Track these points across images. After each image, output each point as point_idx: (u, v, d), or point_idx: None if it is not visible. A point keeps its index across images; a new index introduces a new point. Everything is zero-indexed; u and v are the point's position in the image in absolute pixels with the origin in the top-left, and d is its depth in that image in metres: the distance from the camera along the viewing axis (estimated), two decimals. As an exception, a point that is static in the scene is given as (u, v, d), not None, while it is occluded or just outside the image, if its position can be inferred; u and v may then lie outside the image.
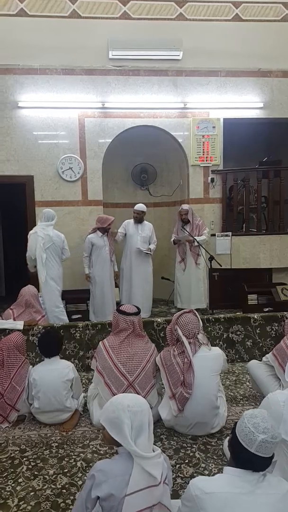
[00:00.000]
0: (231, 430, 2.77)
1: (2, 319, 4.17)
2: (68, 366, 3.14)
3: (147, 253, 5.79)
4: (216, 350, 3.00)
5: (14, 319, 4.14)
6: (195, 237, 5.66)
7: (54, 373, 3.06)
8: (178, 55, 6.10)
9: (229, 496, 1.53)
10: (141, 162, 6.85)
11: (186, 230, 5.71)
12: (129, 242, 5.84)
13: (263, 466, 1.58)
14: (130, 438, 1.68)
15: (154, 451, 1.73)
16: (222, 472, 1.68)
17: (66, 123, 6.06)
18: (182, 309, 3.32)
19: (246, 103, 6.33)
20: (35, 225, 6.07)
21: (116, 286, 5.90)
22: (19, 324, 4.01)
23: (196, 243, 5.69)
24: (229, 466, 1.65)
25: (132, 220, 5.89)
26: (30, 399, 3.08)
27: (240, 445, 1.58)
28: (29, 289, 4.44)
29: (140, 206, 5.85)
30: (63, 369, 3.11)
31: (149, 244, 5.88)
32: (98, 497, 1.65)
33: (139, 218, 5.84)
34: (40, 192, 6.08)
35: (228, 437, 2.64)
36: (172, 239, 5.93)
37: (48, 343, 3.19)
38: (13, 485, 2.39)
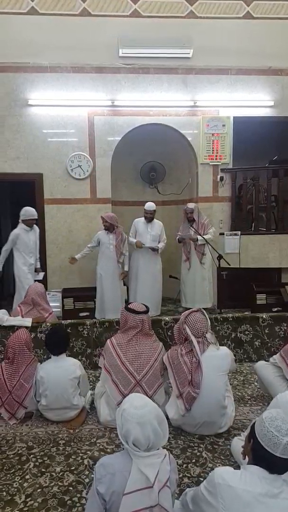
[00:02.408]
0: (240, 431, 2.78)
1: (11, 316, 4.19)
2: (75, 364, 3.15)
3: (154, 249, 5.76)
4: (224, 350, 2.99)
5: (22, 317, 4.16)
6: (201, 236, 5.64)
7: (61, 370, 3.07)
8: (188, 53, 6.08)
9: (251, 496, 1.52)
10: (150, 160, 6.84)
11: (194, 228, 5.69)
12: (139, 240, 5.82)
13: (286, 468, 1.56)
14: (120, 437, 1.73)
15: (160, 451, 1.73)
16: None
17: (76, 121, 6.07)
18: (187, 308, 3.31)
19: (257, 101, 6.29)
20: (44, 223, 6.13)
21: (124, 284, 5.90)
22: (27, 321, 4.03)
23: (200, 242, 5.67)
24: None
25: (141, 219, 5.88)
26: (38, 396, 3.09)
27: (264, 450, 1.55)
28: (36, 287, 4.46)
29: (151, 206, 5.82)
30: (70, 366, 3.11)
31: (159, 242, 5.86)
32: (100, 492, 1.68)
33: (150, 218, 5.84)
34: (49, 189, 6.10)
35: (236, 437, 2.65)
36: (177, 238, 5.92)
37: (55, 340, 3.20)
38: (20, 481, 2.40)
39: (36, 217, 5.46)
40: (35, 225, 5.53)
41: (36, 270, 5.60)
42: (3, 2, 5.85)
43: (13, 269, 5.49)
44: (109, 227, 5.52)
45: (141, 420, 1.69)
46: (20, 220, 5.43)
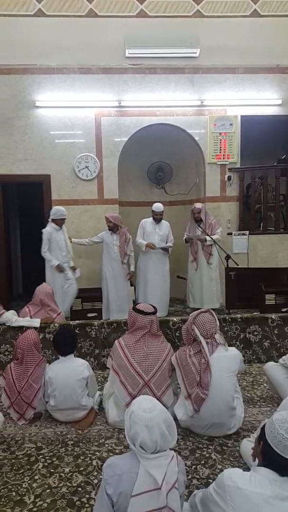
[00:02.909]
0: (249, 433, 2.77)
1: (19, 316, 4.20)
2: (83, 364, 3.15)
3: (165, 250, 5.75)
4: (233, 351, 2.97)
5: (31, 317, 4.17)
6: (209, 236, 5.62)
7: (69, 371, 3.07)
8: (195, 53, 6.06)
9: (261, 498, 1.51)
10: (157, 161, 6.83)
11: (201, 228, 5.67)
12: (147, 241, 5.80)
13: None
14: (127, 439, 1.73)
15: (167, 452, 1.72)
16: None
17: (83, 122, 6.08)
18: (194, 308, 3.29)
19: (264, 100, 6.25)
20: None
21: (132, 285, 5.90)
22: (36, 322, 4.05)
23: (208, 243, 5.65)
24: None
25: (149, 219, 5.88)
26: (46, 397, 3.10)
27: (274, 452, 1.54)
28: (44, 287, 4.46)
29: (160, 207, 5.81)
30: (78, 367, 3.11)
31: (166, 243, 5.85)
32: (108, 494, 1.68)
33: (159, 219, 5.83)
34: (56, 191, 6.12)
35: (245, 439, 2.63)
36: (184, 238, 5.90)
37: (63, 341, 3.20)
38: (29, 482, 2.40)
39: (66, 217, 5.46)
40: (64, 226, 5.52)
41: (73, 268, 5.56)
42: (10, 5, 5.88)
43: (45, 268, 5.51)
44: (113, 228, 5.52)
45: (149, 423, 1.69)
46: (50, 220, 5.44)
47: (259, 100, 6.24)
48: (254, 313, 4.86)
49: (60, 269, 5.38)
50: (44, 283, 4.62)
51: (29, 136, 6.02)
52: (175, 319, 4.15)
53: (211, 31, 6.11)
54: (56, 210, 5.42)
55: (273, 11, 6.24)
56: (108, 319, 5.04)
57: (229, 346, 3.02)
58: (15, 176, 6.07)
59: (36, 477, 2.45)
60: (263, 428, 1.63)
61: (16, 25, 5.89)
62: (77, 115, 6.06)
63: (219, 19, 6.18)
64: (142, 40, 5.94)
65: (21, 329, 3.96)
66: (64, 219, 5.45)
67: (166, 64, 6.10)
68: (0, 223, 6.16)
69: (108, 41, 5.99)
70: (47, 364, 3.24)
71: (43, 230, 5.41)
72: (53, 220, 5.41)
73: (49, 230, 5.39)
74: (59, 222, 5.41)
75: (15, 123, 5.98)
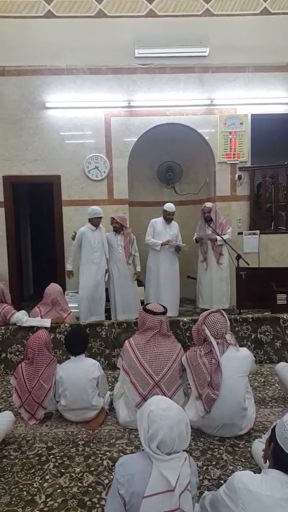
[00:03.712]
0: (261, 434, 2.74)
1: (30, 317, 4.23)
2: (94, 364, 3.15)
3: (178, 248, 5.73)
4: (244, 351, 2.94)
5: (41, 317, 4.19)
6: (220, 236, 5.58)
7: (80, 371, 3.07)
8: (205, 52, 6.04)
9: (272, 501, 1.49)
10: (167, 160, 6.82)
11: (211, 227, 5.64)
12: (158, 240, 5.79)
13: None
14: (144, 440, 1.71)
15: (180, 454, 1.71)
16: None
17: (92, 122, 6.09)
18: (204, 309, 3.27)
19: (275, 98, 6.21)
20: (62, 224, 6.14)
21: (140, 285, 5.88)
22: (46, 322, 4.07)
23: (218, 242, 5.61)
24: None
25: (159, 219, 5.86)
26: (57, 396, 3.10)
27: (285, 454, 1.52)
28: (53, 287, 4.48)
29: (172, 207, 5.77)
30: (89, 367, 3.11)
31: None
32: (120, 493, 1.67)
33: (171, 219, 5.81)
34: (66, 191, 6.14)
35: (256, 440, 2.61)
36: (194, 237, 5.87)
37: (74, 341, 3.20)
38: (40, 481, 2.41)
39: (101, 216, 5.37)
40: (101, 226, 5.47)
41: (106, 271, 5.50)
42: (20, 7, 5.92)
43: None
44: (119, 228, 5.50)
45: (169, 422, 1.68)
46: (88, 219, 5.42)
47: (269, 98, 6.20)
48: (265, 313, 4.82)
49: (68, 275, 5.49)
50: (52, 283, 4.62)
51: (39, 137, 6.05)
52: (185, 319, 4.13)
53: (221, 30, 6.09)
54: (91, 210, 5.37)
55: (284, 9, 6.20)
56: (116, 319, 5.04)
57: (240, 346, 2.99)
58: (26, 177, 6.11)
59: (47, 477, 2.45)
60: (273, 430, 1.61)
61: (26, 27, 5.93)
62: (86, 115, 6.08)
63: (229, 18, 6.16)
64: (151, 39, 5.94)
65: (32, 329, 3.99)
66: (99, 218, 5.35)
67: (176, 64, 6.08)
68: (11, 223, 6.19)
69: (117, 41, 6.00)
70: (58, 364, 3.25)
71: (79, 230, 5.43)
72: (89, 220, 5.38)
73: (82, 229, 5.39)
74: (94, 222, 5.34)
75: (25, 124, 6.02)
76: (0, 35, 5.92)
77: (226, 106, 6.22)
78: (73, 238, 5.45)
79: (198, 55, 6.08)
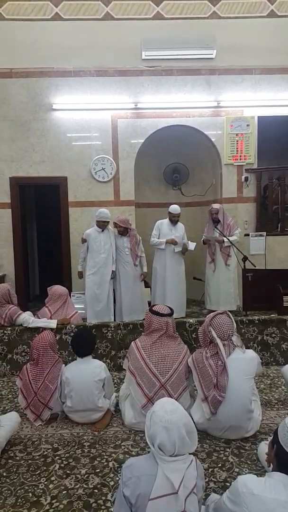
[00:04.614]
0: (267, 436, 2.72)
1: (38, 317, 4.23)
2: (100, 366, 3.15)
3: (184, 249, 5.71)
4: (251, 353, 2.93)
5: (51, 317, 4.19)
6: (227, 237, 5.57)
7: (86, 372, 3.07)
8: (212, 54, 6.04)
9: (276, 504, 1.49)
10: (174, 162, 6.82)
11: (218, 230, 5.63)
12: (172, 238, 5.76)
13: None
14: (147, 438, 1.73)
15: (185, 456, 1.71)
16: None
17: (99, 124, 6.11)
18: (211, 310, 3.26)
19: (281, 100, 6.19)
20: (68, 225, 6.15)
21: (147, 286, 5.88)
22: (53, 323, 4.07)
23: (226, 244, 5.60)
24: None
25: (165, 220, 5.84)
26: (63, 397, 3.10)
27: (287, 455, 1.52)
28: (61, 287, 4.50)
29: (177, 209, 5.75)
30: (95, 368, 3.11)
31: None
32: (126, 495, 1.67)
33: (176, 220, 5.80)
34: (73, 192, 6.16)
35: (262, 442, 2.59)
36: (202, 239, 5.86)
37: (81, 343, 3.20)
38: (45, 483, 2.40)
39: (107, 219, 5.37)
40: (110, 227, 5.48)
41: (113, 273, 5.47)
42: (27, 9, 5.95)
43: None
44: (124, 231, 5.49)
45: (169, 425, 1.68)
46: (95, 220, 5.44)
47: (276, 100, 6.19)
48: (272, 315, 4.81)
49: (78, 275, 5.52)
50: (55, 285, 4.61)
51: (46, 138, 6.07)
52: (191, 320, 4.12)
53: (228, 32, 6.08)
54: (98, 212, 5.38)
55: (291, 11, 6.18)
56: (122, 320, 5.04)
57: (246, 348, 2.98)
58: (32, 178, 6.14)
59: (53, 478, 2.45)
60: (276, 432, 1.60)
61: (34, 29, 5.96)
62: (93, 117, 6.10)
63: (236, 20, 6.15)
64: (158, 42, 5.95)
65: (38, 330, 3.99)
66: (105, 221, 5.35)
67: (183, 66, 6.09)
68: (17, 224, 6.22)
69: (124, 44, 6.01)
70: (63, 365, 3.25)
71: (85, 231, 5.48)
72: (96, 222, 5.41)
73: (88, 231, 5.44)
74: (99, 224, 5.36)
75: (32, 126, 6.05)
76: (8, 37, 5.95)
77: (232, 108, 6.21)
78: (83, 241, 5.47)
79: (205, 57, 6.08)
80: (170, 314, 3.12)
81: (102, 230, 5.39)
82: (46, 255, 7.87)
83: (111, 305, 5.48)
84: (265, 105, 6.19)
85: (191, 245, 5.73)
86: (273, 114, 6.26)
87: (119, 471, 2.40)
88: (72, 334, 3.95)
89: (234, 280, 5.80)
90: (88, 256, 5.42)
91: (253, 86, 6.17)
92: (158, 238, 5.77)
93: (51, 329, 3.91)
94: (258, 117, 6.24)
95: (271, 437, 1.67)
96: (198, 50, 6.02)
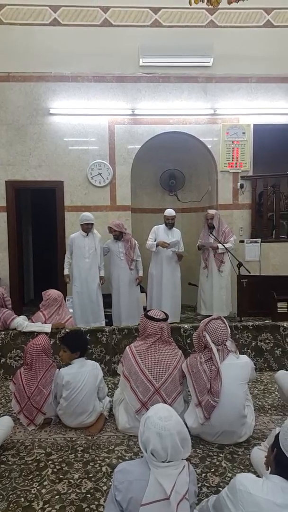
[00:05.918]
0: (260, 441, 2.73)
1: (33, 321, 4.22)
2: (96, 365, 3.18)
3: (179, 256, 5.74)
4: (244, 358, 2.94)
5: (45, 322, 4.17)
6: (222, 244, 5.59)
7: (85, 373, 3.07)
8: (209, 62, 6.09)
9: (270, 505, 1.50)
10: (170, 168, 6.86)
11: (213, 235, 5.65)
12: (160, 247, 5.79)
13: None
14: (140, 443, 1.74)
15: (178, 462, 1.71)
16: None
17: (96, 129, 6.14)
18: (205, 315, 3.27)
19: (277, 109, 6.25)
20: (64, 230, 6.16)
21: (142, 291, 5.89)
22: (47, 327, 4.05)
23: (220, 251, 5.63)
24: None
25: (161, 226, 5.87)
26: (59, 397, 3.08)
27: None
28: (56, 292, 4.48)
29: (171, 212, 5.82)
30: (93, 369, 3.13)
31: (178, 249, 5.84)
32: (117, 500, 1.67)
33: (171, 224, 5.82)
34: (69, 197, 6.17)
35: (255, 447, 2.60)
36: (197, 244, 5.89)
37: (74, 338, 3.23)
38: (38, 487, 2.39)
39: (91, 222, 5.36)
40: (96, 232, 5.48)
41: (100, 279, 5.46)
42: (26, 14, 5.98)
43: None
44: (119, 236, 5.51)
45: (162, 432, 1.68)
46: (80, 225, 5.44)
47: (272, 109, 6.25)
48: (266, 321, 4.83)
49: (65, 278, 5.49)
50: (50, 289, 4.60)
51: (43, 143, 6.09)
52: (186, 326, 4.13)
53: (225, 40, 6.14)
54: (81, 216, 5.41)
55: (286, 22, 6.25)
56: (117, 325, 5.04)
57: (240, 353, 3.00)
58: (29, 182, 6.15)
59: (45, 483, 2.44)
60: (277, 436, 1.61)
61: (32, 34, 5.98)
62: (90, 122, 6.12)
63: (233, 29, 6.21)
64: (156, 49, 5.99)
65: (33, 334, 3.97)
66: (88, 224, 5.34)
67: (180, 73, 6.14)
68: (13, 228, 6.21)
69: (122, 50, 6.05)
70: (57, 369, 3.23)
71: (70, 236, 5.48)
72: (80, 226, 5.41)
73: (72, 235, 5.45)
74: (84, 228, 5.37)
75: (30, 130, 6.06)
76: (6, 41, 5.97)
77: (229, 115, 6.26)
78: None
79: (202, 65, 6.13)
80: (165, 319, 3.13)
81: (87, 234, 5.39)
82: (42, 259, 7.87)
83: (102, 310, 5.47)
84: (261, 113, 6.25)
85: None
86: (268, 122, 6.31)
87: (112, 476, 2.40)
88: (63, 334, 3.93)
89: (227, 287, 5.82)
90: (73, 261, 5.42)
91: (249, 95, 6.23)
92: (155, 241, 5.80)
93: (46, 334, 3.89)
94: (254, 125, 6.29)
95: (270, 441, 1.68)
96: (195, 58, 6.07)
